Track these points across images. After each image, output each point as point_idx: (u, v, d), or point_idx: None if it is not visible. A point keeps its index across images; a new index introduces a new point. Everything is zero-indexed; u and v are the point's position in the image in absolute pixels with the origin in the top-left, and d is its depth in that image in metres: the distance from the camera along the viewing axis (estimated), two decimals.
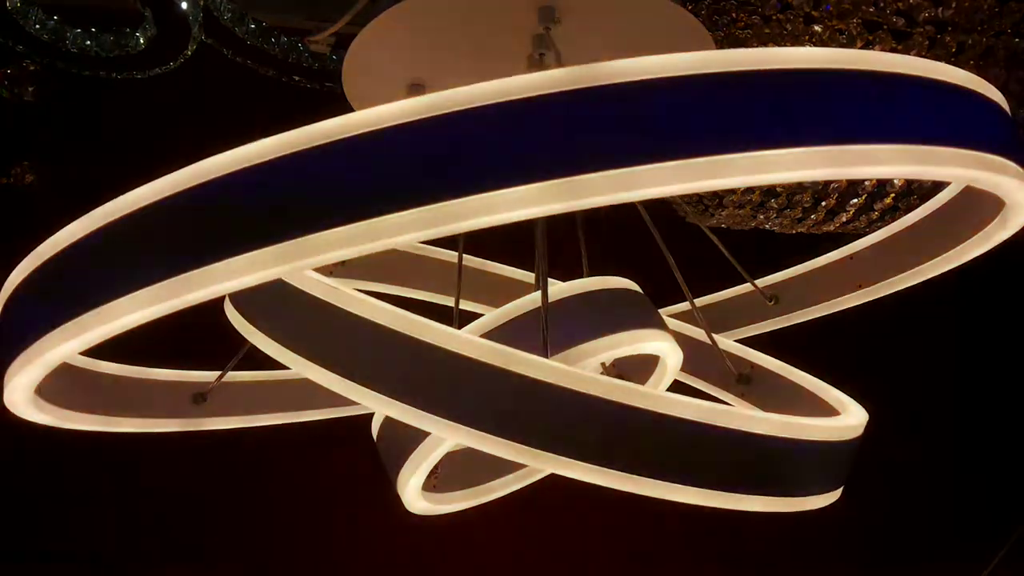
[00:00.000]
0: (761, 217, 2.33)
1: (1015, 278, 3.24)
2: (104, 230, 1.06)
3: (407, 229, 0.94)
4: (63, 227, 1.12)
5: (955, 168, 1.08)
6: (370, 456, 1.64)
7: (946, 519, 3.87)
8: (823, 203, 2.22)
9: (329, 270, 1.76)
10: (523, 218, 0.96)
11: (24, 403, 1.34)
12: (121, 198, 1.07)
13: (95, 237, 1.07)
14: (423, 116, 0.97)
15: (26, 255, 1.17)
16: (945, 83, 1.08)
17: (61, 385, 1.44)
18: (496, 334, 1.44)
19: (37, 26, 2.14)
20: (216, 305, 1.44)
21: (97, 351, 1.39)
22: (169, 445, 1.94)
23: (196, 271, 0.98)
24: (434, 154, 0.97)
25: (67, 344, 1.07)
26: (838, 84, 1.02)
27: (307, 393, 1.77)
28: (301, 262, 0.97)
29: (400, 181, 0.96)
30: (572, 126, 0.97)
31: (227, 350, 1.68)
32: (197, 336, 1.79)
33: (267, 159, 0.99)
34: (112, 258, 1.06)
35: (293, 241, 0.96)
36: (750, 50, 1.04)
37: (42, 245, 1.13)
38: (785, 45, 1.90)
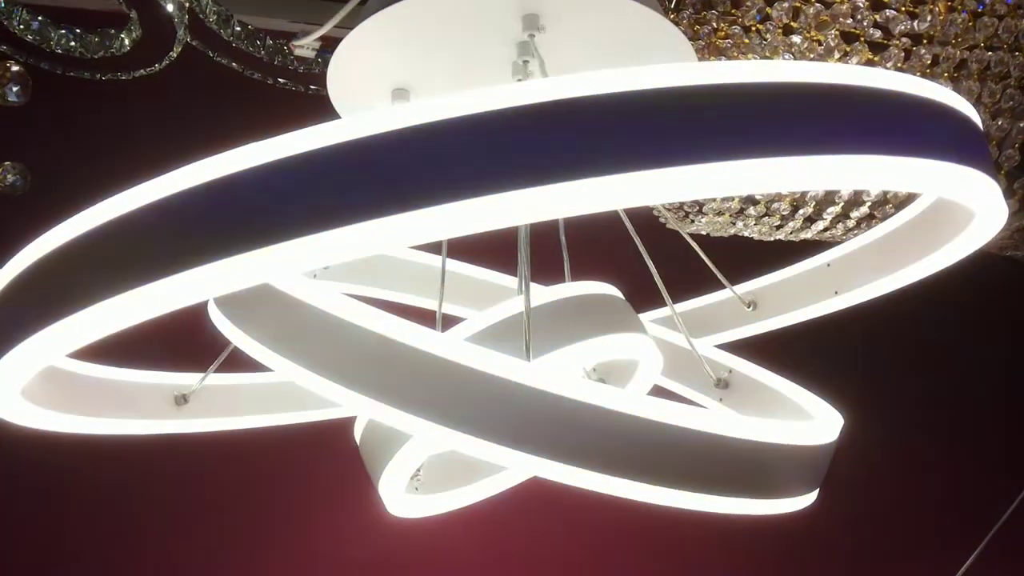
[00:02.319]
0: (740, 224, 2.36)
1: (988, 282, 3.30)
2: (88, 235, 1.07)
3: (389, 235, 0.96)
4: (45, 229, 1.13)
5: (926, 180, 1.11)
6: (352, 458, 1.65)
7: (921, 521, 3.93)
8: (801, 211, 2.25)
9: (313, 273, 1.78)
10: (507, 225, 0.98)
11: (10, 405, 1.35)
12: (103, 203, 1.07)
13: (79, 241, 1.08)
14: (408, 124, 0.99)
15: (8, 257, 1.18)
16: (916, 97, 1.10)
17: (42, 387, 1.44)
18: (479, 338, 1.46)
19: (21, 27, 2.13)
20: (199, 306, 1.45)
21: (77, 352, 1.39)
22: (148, 447, 1.94)
23: (181, 274, 0.98)
24: (414, 162, 0.99)
25: (52, 347, 1.08)
26: (812, 97, 1.04)
27: (289, 395, 1.78)
28: (283, 267, 0.98)
29: (382, 188, 0.98)
30: (551, 136, 0.98)
31: (210, 352, 1.69)
32: (179, 337, 1.80)
33: (250, 165, 1.00)
34: (96, 262, 1.07)
35: (275, 246, 0.97)
36: (726, 63, 1.06)
37: (26, 248, 1.14)
38: (764, 55, 1.93)
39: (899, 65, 1.92)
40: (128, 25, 2.14)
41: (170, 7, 2.07)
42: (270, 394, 1.83)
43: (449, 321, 1.69)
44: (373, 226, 0.95)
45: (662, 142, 0.98)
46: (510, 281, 1.95)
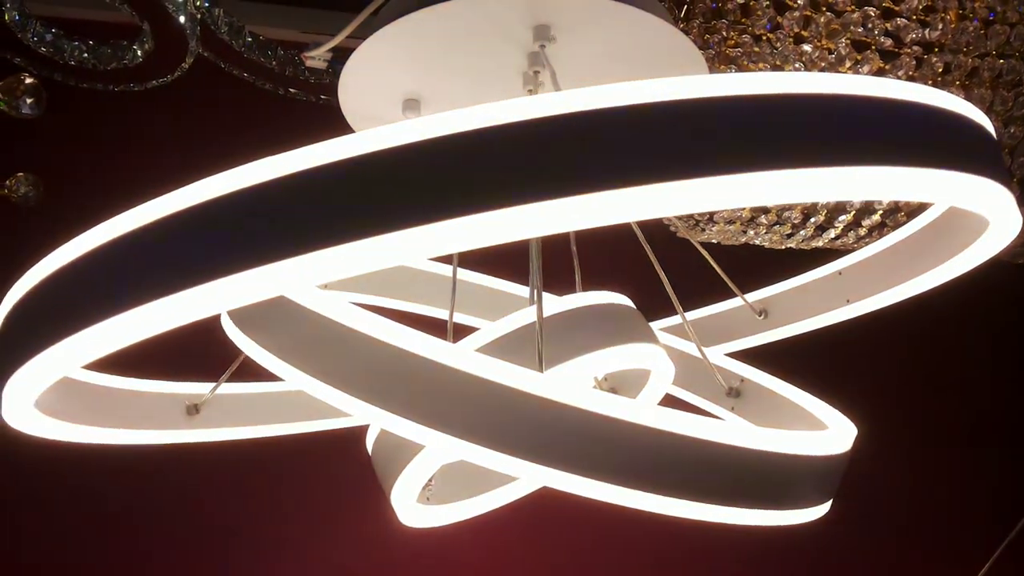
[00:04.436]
0: (751, 233, 2.35)
1: (1000, 289, 3.28)
2: (102, 248, 1.07)
3: (411, 246, 0.96)
4: (60, 241, 1.13)
5: (938, 190, 1.11)
6: (364, 467, 1.65)
7: (935, 530, 3.90)
8: (812, 220, 2.25)
9: (325, 283, 1.78)
10: (523, 237, 0.98)
11: (23, 416, 1.36)
12: (118, 217, 1.08)
13: (93, 254, 1.08)
14: (424, 137, 0.99)
15: (23, 268, 1.18)
16: (928, 106, 1.10)
17: (55, 397, 1.44)
18: (491, 348, 1.46)
19: (35, 39, 2.15)
20: (211, 316, 1.45)
21: (89, 363, 1.40)
22: (160, 457, 1.95)
23: (200, 287, 0.99)
24: (436, 174, 0.99)
25: (67, 360, 1.08)
26: (822, 108, 1.04)
27: (301, 405, 1.78)
28: (294, 280, 0.98)
29: (402, 200, 0.98)
30: (563, 149, 0.99)
31: (221, 361, 1.69)
32: (191, 348, 1.80)
33: (270, 178, 1.01)
34: (111, 275, 1.07)
35: (287, 260, 0.97)
36: (737, 74, 1.06)
37: (41, 261, 1.14)
38: (775, 64, 1.93)
39: (910, 74, 1.91)
40: (140, 37, 2.16)
41: (182, 19, 2.08)
42: (282, 404, 1.84)
43: (461, 331, 1.69)
44: (387, 240, 0.95)
45: (675, 154, 0.98)
46: (522, 291, 1.95)
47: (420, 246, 0.96)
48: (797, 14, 1.87)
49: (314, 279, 0.99)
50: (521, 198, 0.95)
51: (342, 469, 2.43)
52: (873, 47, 1.87)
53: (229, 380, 1.74)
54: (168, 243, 1.04)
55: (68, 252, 1.11)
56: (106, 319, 1.03)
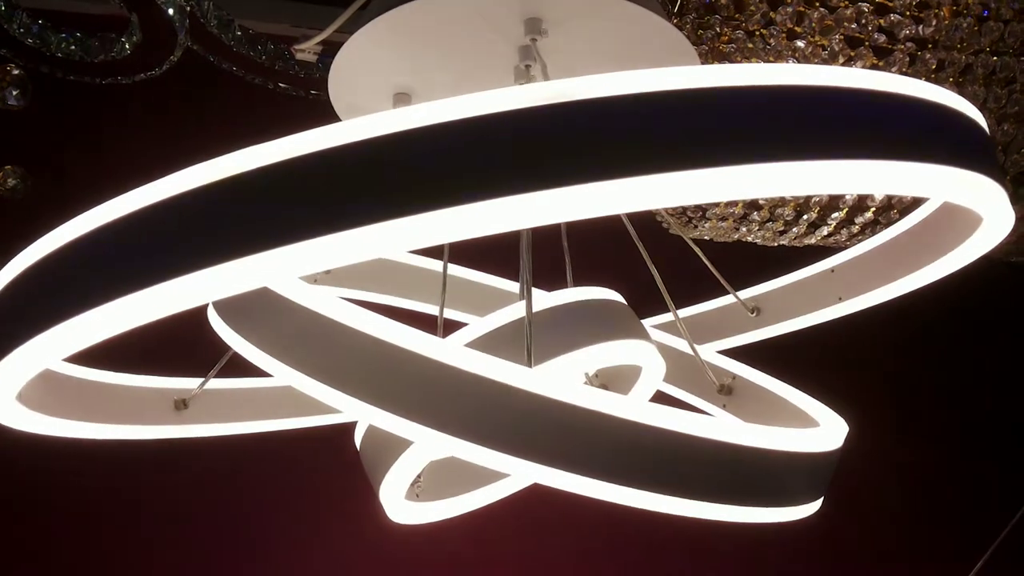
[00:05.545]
0: (744, 230, 2.35)
1: (992, 287, 3.29)
2: (84, 238, 1.06)
3: (393, 239, 0.95)
4: (44, 233, 1.12)
5: (933, 185, 1.10)
6: (353, 463, 1.64)
7: (927, 527, 3.91)
8: (805, 217, 2.24)
9: (314, 278, 1.77)
10: (504, 230, 0.97)
11: (5, 409, 1.34)
12: (100, 207, 1.06)
13: (76, 245, 1.07)
14: (408, 127, 0.98)
15: (5, 260, 1.17)
16: (923, 101, 1.09)
17: (40, 391, 1.43)
18: (480, 344, 1.45)
19: (21, 30, 2.13)
20: (199, 311, 1.44)
21: (76, 357, 1.39)
22: (148, 452, 1.94)
23: (179, 279, 0.98)
24: (416, 166, 0.98)
25: (49, 351, 1.07)
26: (817, 101, 1.03)
27: (290, 400, 1.77)
28: (284, 270, 0.97)
29: (387, 190, 0.97)
30: (553, 139, 0.98)
31: (210, 356, 1.68)
32: (179, 342, 1.79)
33: (253, 167, 1.00)
34: (93, 266, 1.06)
35: (277, 249, 0.96)
36: (730, 66, 1.05)
37: (23, 252, 1.13)
38: (768, 60, 1.92)
39: (904, 70, 1.91)
40: (129, 29, 2.14)
41: (171, 11, 2.07)
42: (270, 399, 1.83)
43: (450, 326, 1.68)
44: (377, 230, 0.94)
45: (666, 146, 0.97)
46: (512, 286, 1.94)
47: (402, 238, 0.95)
48: (790, 10, 1.87)
49: (298, 270, 0.98)
50: (508, 189, 0.94)
51: (330, 465, 2.42)
52: (867, 43, 1.87)
53: (217, 375, 1.73)
54: (147, 235, 1.03)
55: (46, 245, 1.10)
56: (85, 311, 1.02)
